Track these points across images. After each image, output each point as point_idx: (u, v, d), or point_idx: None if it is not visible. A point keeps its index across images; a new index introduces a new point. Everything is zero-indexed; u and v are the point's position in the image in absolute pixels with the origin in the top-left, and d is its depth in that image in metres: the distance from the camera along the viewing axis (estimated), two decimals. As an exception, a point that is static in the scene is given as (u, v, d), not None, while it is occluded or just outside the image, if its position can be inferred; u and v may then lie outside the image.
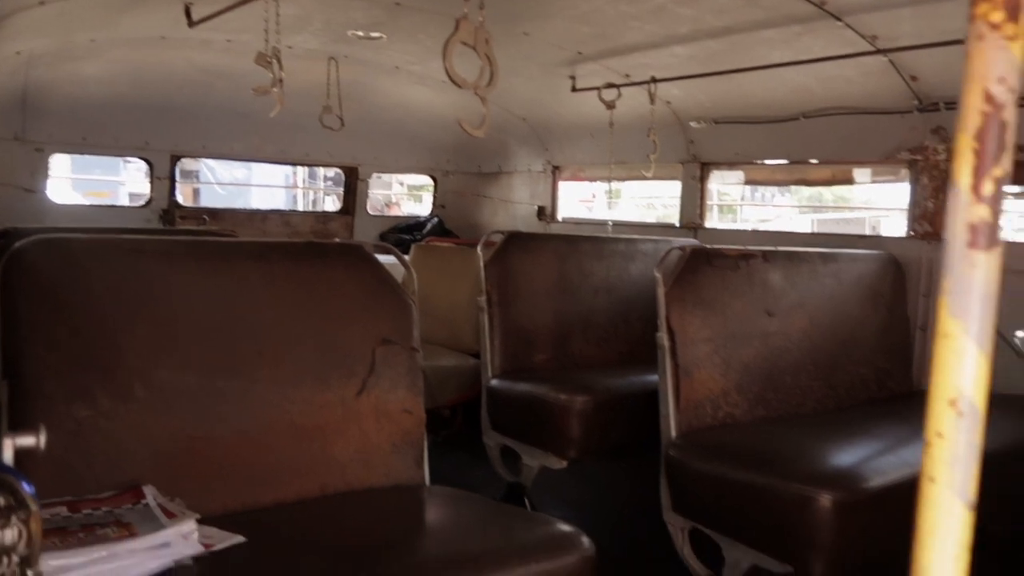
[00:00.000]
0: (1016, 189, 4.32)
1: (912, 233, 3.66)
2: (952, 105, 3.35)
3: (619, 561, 3.06)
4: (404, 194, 10.45)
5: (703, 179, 4.74)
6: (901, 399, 3.41)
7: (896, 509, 2.35)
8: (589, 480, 3.87)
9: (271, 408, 1.97)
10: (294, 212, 7.55)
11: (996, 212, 0.62)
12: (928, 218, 3.58)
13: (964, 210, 0.63)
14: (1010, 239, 3.73)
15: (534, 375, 3.46)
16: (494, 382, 3.49)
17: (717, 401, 2.87)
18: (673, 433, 2.73)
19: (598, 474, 3.95)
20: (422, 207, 7.15)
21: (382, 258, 2.38)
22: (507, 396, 3.42)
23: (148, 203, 5.35)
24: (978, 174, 0.62)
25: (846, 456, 2.52)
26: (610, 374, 3.53)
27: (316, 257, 2.22)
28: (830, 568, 2.19)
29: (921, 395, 3.57)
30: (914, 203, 3.66)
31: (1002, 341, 3.17)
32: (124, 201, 7.99)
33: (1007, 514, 2.73)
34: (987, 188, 0.62)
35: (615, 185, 5.78)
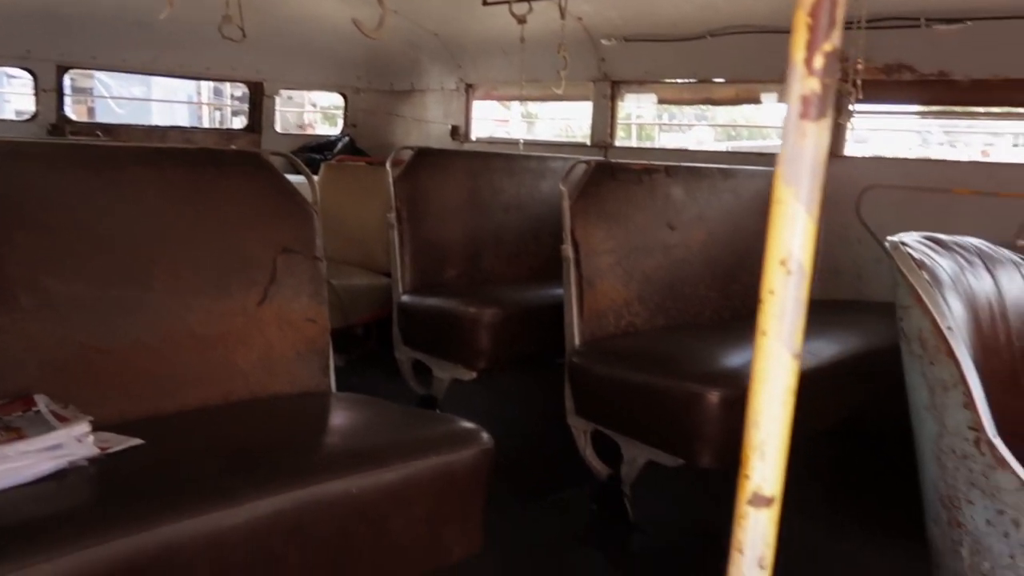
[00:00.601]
0: (917, 108, 4.52)
1: (808, 151, 3.80)
2: (849, 26, 3.46)
3: (527, 464, 3.20)
4: (316, 112, 10.10)
5: (614, 98, 4.78)
6: (792, 308, 3.61)
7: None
8: (499, 391, 3.98)
9: (169, 316, 1.94)
10: (196, 129, 7.20)
11: (826, 85, 0.67)
12: (823, 136, 3.73)
13: (797, 83, 0.67)
14: (899, 156, 3.94)
15: (444, 290, 3.50)
16: (405, 298, 3.52)
17: (619, 311, 2.98)
18: (577, 341, 2.84)
19: (507, 385, 4.07)
20: (336, 130, 6.95)
21: (291, 178, 2.34)
22: (418, 311, 3.45)
23: (33, 117, 5.02)
24: (810, 48, 0.66)
25: (736, 358, 2.68)
26: (519, 288, 3.61)
27: (212, 165, 2.16)
28: (716, 458, 2.35)
29: (812, 304, 3.80)
30: (810, 122, 3.79)
31: (881, 250, 3.39)
32: (10, 117, 7.44)
33: (881, 407, 2.97)
34: (818, 62, 0.66)
35: (533, 108, 5.76)
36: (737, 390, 2.35)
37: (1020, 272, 2.36)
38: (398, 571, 1.71)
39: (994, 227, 3.13)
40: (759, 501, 0.78)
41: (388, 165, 3.57)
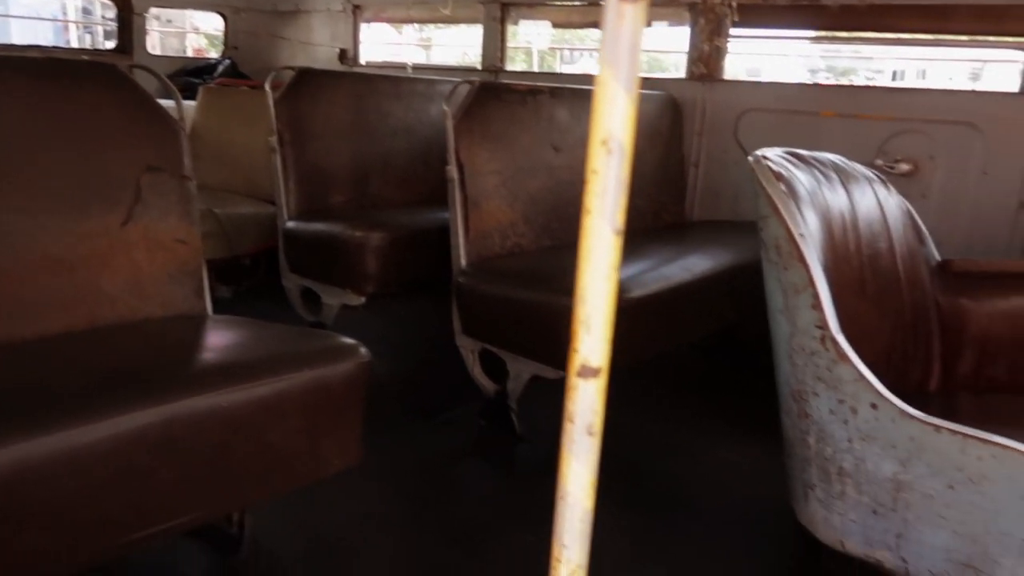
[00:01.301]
0: (793, 33, 4.65)
1: (690, 74, 3.89)
2: (728, -52, 3.51)
3: (417, 386, 3.25)
4: (201, 36, 9.53)
5: (503, 21, 4.71)
6: (674, 228, 3.75)
7: (654, 314, 2.65)
8: (389, 316, 3.99)
9: (21, 238, 1.83)
10: (59, 49, 6.67)
11: (644, -32, 0.69)
12: (704, 60, 3.82)
13: (617, -35, 0.69)
14: (775, 81, 4.07)
15: (331, 215, 3.43)
16: (290, 224, 3.43)
17: (505, 231, 3.01)
18: (463, 262, 2.86)
19: (397, 310, 4.08)
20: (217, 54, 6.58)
21: (163, 102, 2.21)
22: (304, 237, 3.38)
23: None
24: (627, -71, 0.68)
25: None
26: (408, 212, 3.58)
27: (64, 77, 2.02)
28: (595, 369, 2.44)
29: (692, 225, 3.95)
30: (693, 46, 3.87)
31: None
32: None
33: (750, 320, 3.15)
34: (635, -57, 0.68)
35: (429, 34, 5.61)
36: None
37: (872, 187, 2.52)
38: (278, 483, 1.73)
39: (859, 147, 3.32)
40: (587, 372, 0.83)
41: (267, 86, 3.43)
